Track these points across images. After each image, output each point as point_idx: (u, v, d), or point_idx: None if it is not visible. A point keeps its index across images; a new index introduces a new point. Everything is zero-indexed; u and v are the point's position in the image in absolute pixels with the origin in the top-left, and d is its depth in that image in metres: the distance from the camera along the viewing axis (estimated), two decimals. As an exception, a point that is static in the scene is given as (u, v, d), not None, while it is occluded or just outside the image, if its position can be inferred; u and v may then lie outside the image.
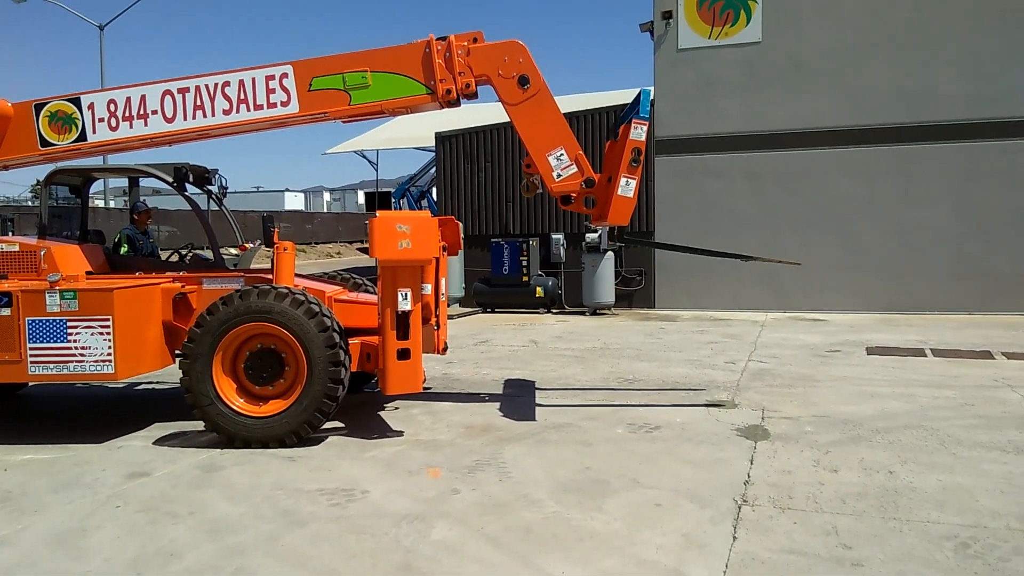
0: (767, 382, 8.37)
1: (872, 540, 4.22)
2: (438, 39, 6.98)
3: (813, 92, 14.28)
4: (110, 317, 6.14)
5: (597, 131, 15.44)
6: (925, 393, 7.66)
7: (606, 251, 14.54)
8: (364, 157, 34.77)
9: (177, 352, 6.72)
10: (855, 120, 14.13)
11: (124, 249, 7.89)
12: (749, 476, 5.30)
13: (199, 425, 6.34)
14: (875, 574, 3.84)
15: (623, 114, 7.57)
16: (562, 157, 6.99)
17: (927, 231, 13.89)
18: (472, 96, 7.16)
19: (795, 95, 14.38)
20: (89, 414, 7.81)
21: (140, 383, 8.98)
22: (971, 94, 13.54)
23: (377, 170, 37.34)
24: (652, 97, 7.10)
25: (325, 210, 68.40)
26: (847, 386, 8.08)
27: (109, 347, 6.16)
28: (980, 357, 9.62)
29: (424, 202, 28.83)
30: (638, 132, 6.86)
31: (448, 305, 11.74)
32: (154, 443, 6.43)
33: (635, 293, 15.55)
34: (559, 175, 7.01)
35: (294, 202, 68.10)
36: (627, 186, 6.88)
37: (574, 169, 7.01)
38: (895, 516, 4.55)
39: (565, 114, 7.33)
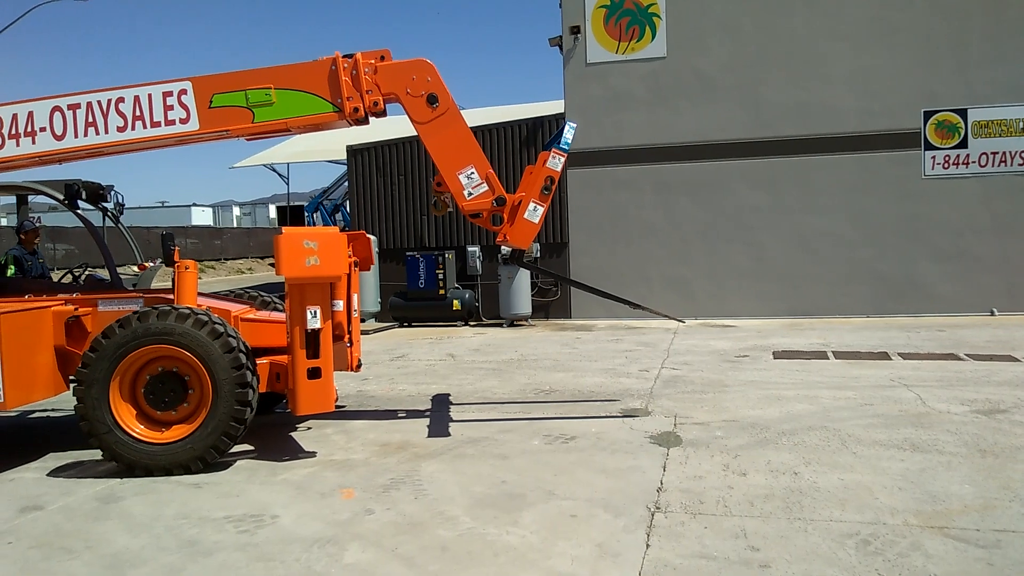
0: (679, 389, 8.55)
1: (778, 541, 4.34)
2: (344, 56, 6.88)
3: (717, 105, 14.76)
4: (-4, 343, 5.80)
5: (508, 144, 15.55)
6: (827, 394, 7.97)
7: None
8: (274, 171, 34.05)
9: (71, 378, 6.39)
10: (757, 133, 14.67)
11: (11, 271, 7.49)
12: (662, 483, 5.39)
13: (96, 454, 6.03)
14: (781, 575, 3.95)
15: (548, 141, 7.64)
16: (473, 176, 6.96)
17: (825, 239, 14.52)
18: (380, 114, 7.07)
19: (700, 108, 14.82)
20: (-24, 447, 7.34)
21: (33, 411, 8.49)
22: (862, 108, 14.26)
23: (288, 184, 36.55)
24: (574, 131, 7.19)
25: (235, 225, 66.54)
26: (755, 390, 8.33)
27: (-4, 375, 5.80)
28: (878, 358, 10.08)
29: (338, 216, 28.40)
30: (555, 162, 6.92)
31: (363, 320, 11.58)
32: (48, 474, 6.09)
33: (551, 304, 15.68)
34: (470, 193, 6.98)
35: (202, 217, 65.92)
36: (534, 211, 6.92)
37: (485, 188, 6.98)
38: (800, 516, 4.70)
39: (476, 128, 7.32)
